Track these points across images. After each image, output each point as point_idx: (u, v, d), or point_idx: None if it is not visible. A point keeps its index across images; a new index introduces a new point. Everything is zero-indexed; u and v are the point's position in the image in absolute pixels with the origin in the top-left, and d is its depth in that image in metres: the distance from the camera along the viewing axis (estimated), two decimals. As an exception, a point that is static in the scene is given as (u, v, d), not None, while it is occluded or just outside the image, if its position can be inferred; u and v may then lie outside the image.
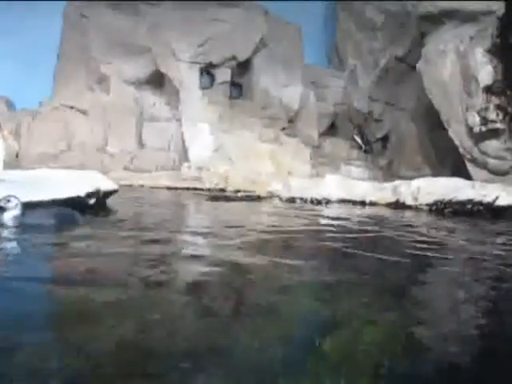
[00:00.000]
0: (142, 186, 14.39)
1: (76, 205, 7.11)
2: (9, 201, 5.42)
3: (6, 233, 5.07)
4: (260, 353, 2.23)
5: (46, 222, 5.74)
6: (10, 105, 19.01)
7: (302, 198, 11.42)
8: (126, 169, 16.68)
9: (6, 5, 19.18)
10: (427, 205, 10.60)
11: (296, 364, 2.12)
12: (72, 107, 18.16)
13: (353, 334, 2.58)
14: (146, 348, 2.22)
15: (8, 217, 5.38)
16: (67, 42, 19.14)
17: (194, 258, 4.44)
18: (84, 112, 18.12)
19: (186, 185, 14.65)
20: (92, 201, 7.49)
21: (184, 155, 17.16)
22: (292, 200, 11.38)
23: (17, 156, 17.01)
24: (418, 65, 16.44)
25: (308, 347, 2.37)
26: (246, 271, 3.97)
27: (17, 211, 5.44)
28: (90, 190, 7.47)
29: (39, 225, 5.51)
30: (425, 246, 5.59)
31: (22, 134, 17.55)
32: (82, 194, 7.39)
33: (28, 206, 6.83)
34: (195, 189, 14.27)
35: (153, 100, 18.66)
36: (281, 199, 11.72)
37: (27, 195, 7.03)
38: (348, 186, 12.12)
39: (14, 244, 4.75)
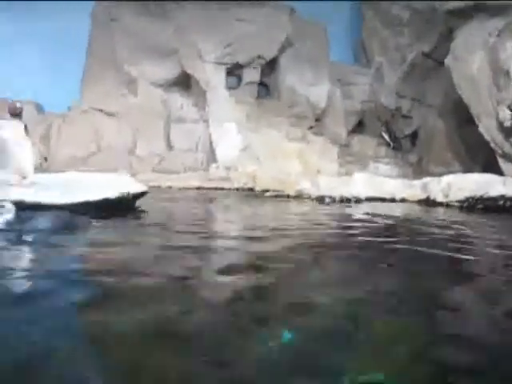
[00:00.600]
0: (171, 187, 14.47)
1: (106, 207, 7.19)
2: (3, 206, 5.54)
3: (29, 237, 5.13)
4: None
5: (59, 226, 5.87)
6: (39, 109, 19.26)
7: (330, 197, 11.36)
8: (154, 170, 16.77)
9: (34, 10, 19.50)
10: (458, 201, 10.48)
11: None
12: (101, 110, 18.35)
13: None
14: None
15: (1, 221, 5.47)
16: (95, 44, 19.35)
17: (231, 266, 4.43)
18: (112, 115, 18.29)
19: (214, 185, 14.71)
20: (122, 203, 7.55)
21: (212, 156, 17.22)
22: (321, 199, 11.32)
23: (46, 159, 17.23)
24: (446, 60, 16.23)
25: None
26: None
27: (10, 215, 5.58)
28: (120, 192, 7.52)
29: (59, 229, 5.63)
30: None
31: (51, 137, 17.78)
32: (113, 196, 7.45)
33: (58, 209, 6.94)
34: (223, 189, 14.32)
35: (180, 102, 18.78)
36: (310, 198, 11.67)
37: (58, 198, 7.13)
38: (377, 184, 12.06)
39: (46, 246, 4.79)
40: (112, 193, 7.46)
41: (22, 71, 19.58)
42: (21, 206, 6.95)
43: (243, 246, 5.04)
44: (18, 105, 7.48)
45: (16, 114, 7.43)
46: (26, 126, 7.57)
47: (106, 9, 19.07)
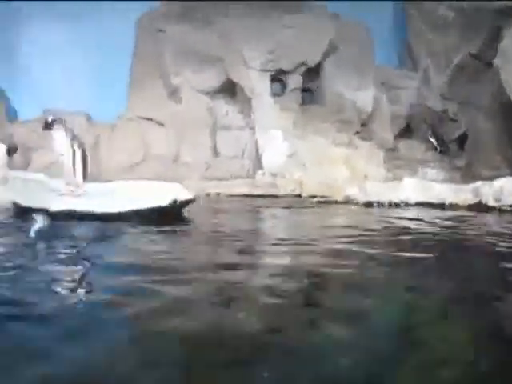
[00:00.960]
0: (218, 194, 14.56)
1: (156, 215, 7.30)
2: (35, 217, 5.98)
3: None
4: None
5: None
6: (88, 119, 19.63)
7: (379, 202, 11.27)
8: (200, 178, 16.88)
9: (81, 22, 19.97)
10: (511, 206, 10.26)
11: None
12: (147, 119, 18.61)
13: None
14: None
15: (34, 229, 5.79)
16: (140, 54, 19.67)
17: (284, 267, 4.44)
18: (159, 123, 18.53)
19: (261, 192, 14.74)
20: (171, 211, 7.65)
21: (258, 162, 17.27)
22: (369, 204, 11.24)
23: (95, 169, 17.52)
24: (494, 60, 15.95)
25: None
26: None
27: (40, 225, 5.89)
28: (169, 200, 7.62)
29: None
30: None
31: (100, 146, 18.11)
32: (162, 204, 7.56)
33: (110, 218, 7.08)
34: (270, 196, 14.34)
35: (225, 109, 18.90)
36: (358, 204, 11.60)
37: (108, 207, 7.27)
38: (426, 189, 11.90)
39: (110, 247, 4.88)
40: (161, 201, 7.57)
41: (71, 82, 20.03)
42: (73, 216, 7.14)
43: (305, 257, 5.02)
44: (49, 118, 7.70)
45: (47, 127, 7.66)
46: (74, 137, 7.76)
47: (152, 18, 19.39)
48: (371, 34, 19.65)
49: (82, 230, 6.57)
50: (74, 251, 4.99)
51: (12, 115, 20.80)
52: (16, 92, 21.08)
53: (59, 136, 7.65)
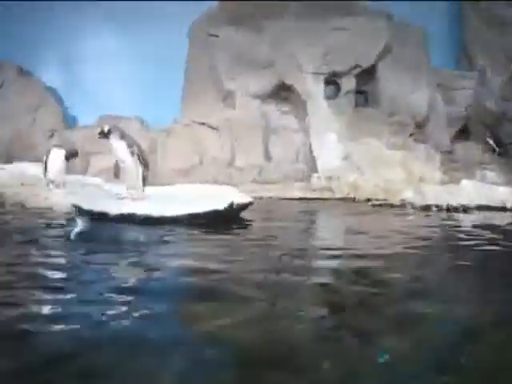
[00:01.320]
0: (271, 197, 14.53)
1: (214, 219, 7.33)
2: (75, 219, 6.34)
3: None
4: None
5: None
6: (143, 124, 19.94)
7: (437, 206, 11.04)
8: (254, 181, 16.92)
9: (135, 29, 20.35)
10: None
11: None
12: (202, 123, 18.78)
13: None
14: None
15: (74, 232, 6.02)
16: (193, 59, 19.92)
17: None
18: (213, 127, 18.67)
19: (316, 195, 14.67)
20: (229, 214, 7.67)
21: (311, 166, 17.21)
22: (427, 208, 11.02)
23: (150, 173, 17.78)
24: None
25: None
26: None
27: (80, 228, 6.21)
28: (228, 203, 7.64)
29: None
30: None
31: (156, 151, 18.36)
32: (221, 207, 7.58)
33: (167, 222, 7.14)
34: (325, 199, 14.26)
35: (278, 112, 18.91)
36: (414, 207, 11.40)
37: (167, 211, 7.35)
38: (485, 192, 11.63)
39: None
40: (219, 205, 7.60)
41: (126, 88, 20.43)
42: (132, 219, 7.24)
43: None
44: (105, 127, 7.84)
45: (104, 136, 7.79)
46: (133, 143, 7.89)
47: (204, 25, 19.59)
48: (426, 34, 19.35)
49: (140, 233, 6.64)
50: (138, 254, 5.03)
51: (70, 121, 21.36)
52: (73, 98, 21.66)
53: (117, 145, 7.79)
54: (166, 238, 6.04)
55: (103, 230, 6.72)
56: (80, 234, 6.03)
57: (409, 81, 18.37)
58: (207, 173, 17.02)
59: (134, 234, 6.63)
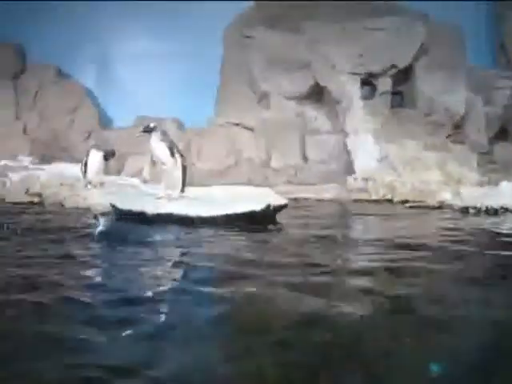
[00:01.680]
0: (307, 199, 14.47)
1: (250, 220, 7.34)
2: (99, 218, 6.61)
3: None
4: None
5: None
6: (179, 125, 20.09)
7: (475, 208, 10.84)
8: (289, 182, 16.89)
9: (170, 31, 20.54)
10: None
11: None
12: (237, 124, 18.84)
13: None
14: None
15: (97, 230, 6.26)
16: (229, 60, 20.03)
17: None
18: (248, 128, 18.72)
19: (352, 196, 14.58)
20: (265, 216, 7.68)
21: (347, 167, 17.10)
22: (465, 210, 10.82)
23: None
24: None
25: None
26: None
27: (103, 227, 6.44)
28: (265, 205, 7.65)
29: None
30: None
31: (190, 152, 18.47)
32: (258, 209, 7.60)
33: (204, 222, 7.19)
34: (362, 200, 14.16)
35: (314, 113, 18.86)
36: (452, 209, 11.24)
37: (204, 211, 7.40)
38: (528, 193, 11.38)
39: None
40: (255, 206, 7.61)
41: (162, 89, 20.61)
42: (169, 219, 7.31)
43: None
44: (151, 124, 7.99)
45: (146, 131, 7.94)
46: (172, 145, 7.97)
47: (239, 26, 19.66)
48: (463, 34, 19.09)
49: (177, 233, 6.70)
50: (179, 255, 5.07)
51: (106, 122, 21.64)
52: (109, 100, 21.95)
53: (156, 145, 7.87)
54: (202, 239, 6.09)
55: (149, 230, 6.79)
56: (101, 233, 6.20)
57: (445, 81, 18.14)
58: (242, 174, 17.07)
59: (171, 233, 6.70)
